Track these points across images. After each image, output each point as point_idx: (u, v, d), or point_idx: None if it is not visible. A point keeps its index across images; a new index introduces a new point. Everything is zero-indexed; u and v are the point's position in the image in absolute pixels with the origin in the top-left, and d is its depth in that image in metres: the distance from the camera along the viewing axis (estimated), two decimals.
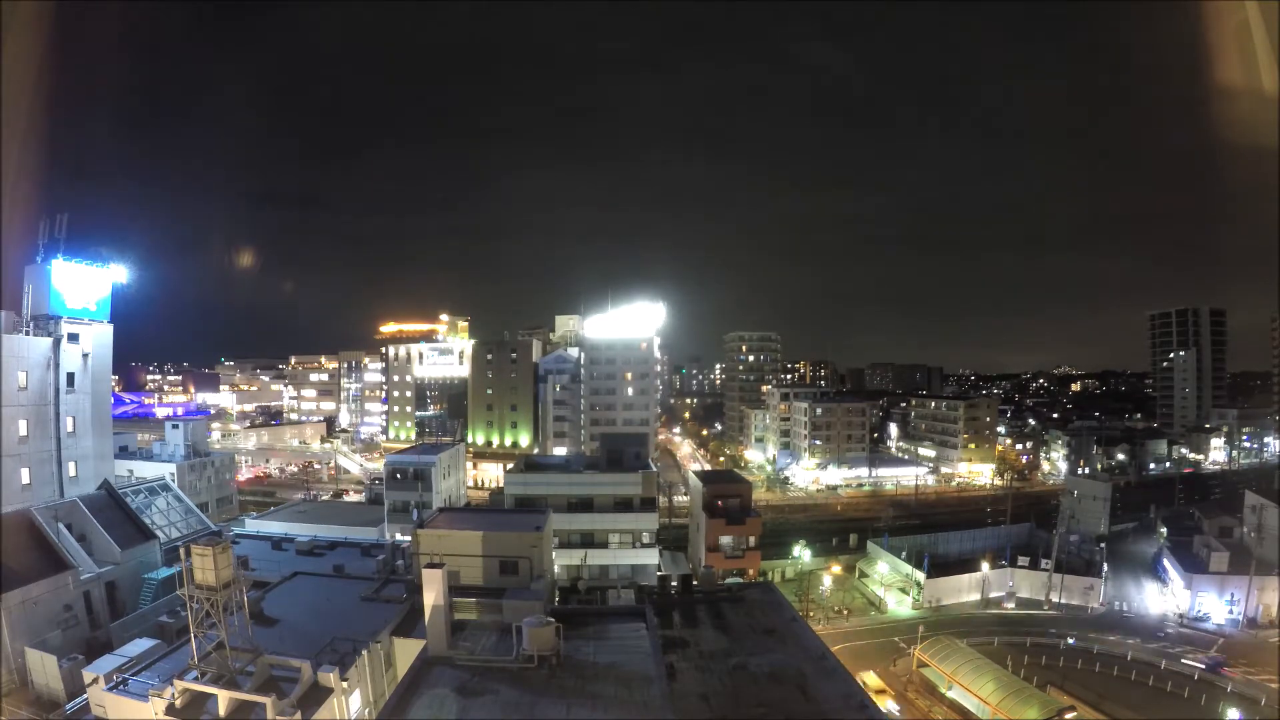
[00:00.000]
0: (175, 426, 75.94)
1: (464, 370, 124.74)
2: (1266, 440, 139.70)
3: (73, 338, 58.05)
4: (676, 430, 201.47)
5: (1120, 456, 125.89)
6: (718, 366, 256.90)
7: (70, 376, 57.55)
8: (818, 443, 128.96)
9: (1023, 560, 64.58)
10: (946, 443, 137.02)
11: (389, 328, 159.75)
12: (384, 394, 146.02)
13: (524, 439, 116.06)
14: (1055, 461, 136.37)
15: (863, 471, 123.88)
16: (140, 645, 30.41)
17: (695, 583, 39.46)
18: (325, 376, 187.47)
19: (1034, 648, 53.29)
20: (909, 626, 56.86)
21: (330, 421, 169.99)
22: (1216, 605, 58.84)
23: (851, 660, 45.36)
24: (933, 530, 79.41)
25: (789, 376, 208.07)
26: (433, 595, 26.48)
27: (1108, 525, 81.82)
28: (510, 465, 68.69)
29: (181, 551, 25.65)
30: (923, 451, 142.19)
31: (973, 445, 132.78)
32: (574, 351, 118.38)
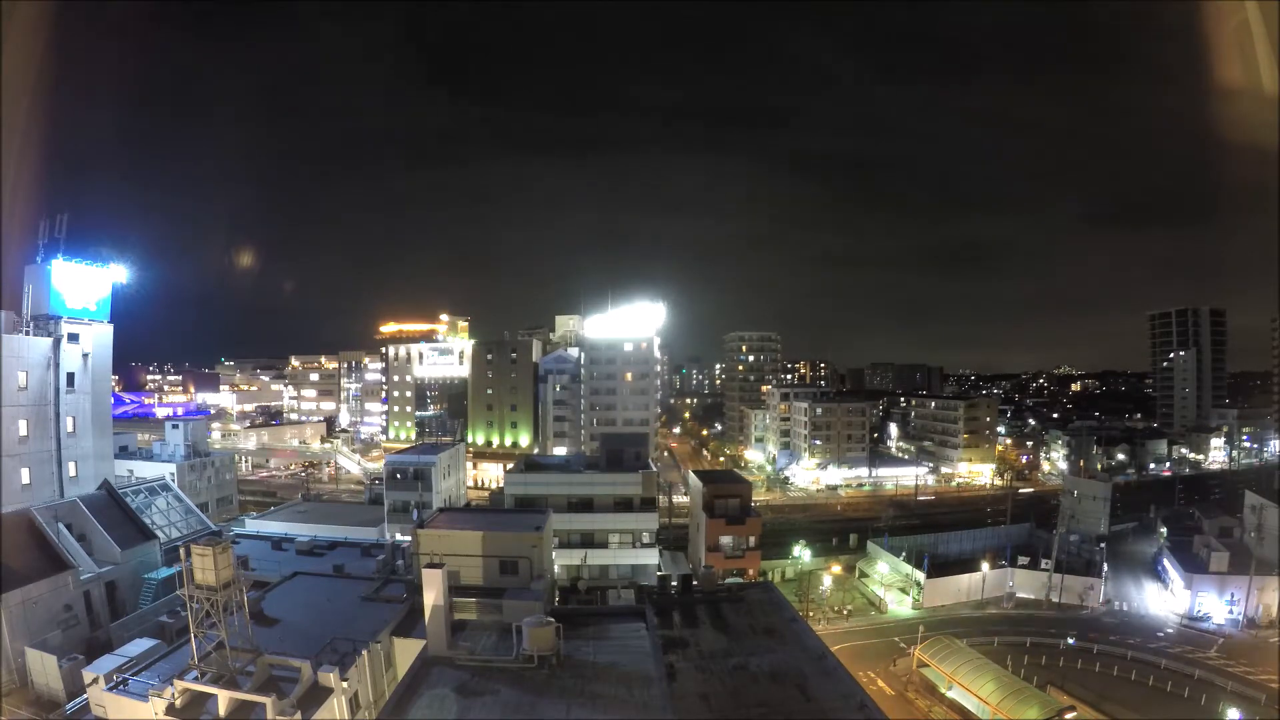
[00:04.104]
0: (175, 426, 75.82)
1: (464, 370, 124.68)
2: (1267, 440, 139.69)
3: (73, 338, 57.98)
4: (676, 430, 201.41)
5: (1120, 456, 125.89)
6: (718, 366, 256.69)
7: (70, 376, 57.49)
8: (818, 443, 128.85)
9: (1023, 560, 64.60)
10: (946, 443, 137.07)
11: (389, 328, 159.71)
12: (384, 394, 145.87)
13: (524, 439, 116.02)
14: (1055, 461, 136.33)
15: (863, 471, 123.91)
16: (140, 645, 30.39)
17: (695, 583, 39.45)
18: (325, 376, 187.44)
19: (1034, 648, 53.31)
20: (909, 626, 56.90)
21: (330, 421, 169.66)
22: (1216, 605, 58.86)
23: (851, 660, 45.32)
24: (933, 530, 79.39)
25: (789, 376, 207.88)
26: (433, 595, 26.50)
27: (1108, 525, 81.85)
28: (510, 465, 68.68)
29: (181, 551, 25.66)
30: (923, 451, 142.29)
31: (973, 445, 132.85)
32: (574, 351, 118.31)
